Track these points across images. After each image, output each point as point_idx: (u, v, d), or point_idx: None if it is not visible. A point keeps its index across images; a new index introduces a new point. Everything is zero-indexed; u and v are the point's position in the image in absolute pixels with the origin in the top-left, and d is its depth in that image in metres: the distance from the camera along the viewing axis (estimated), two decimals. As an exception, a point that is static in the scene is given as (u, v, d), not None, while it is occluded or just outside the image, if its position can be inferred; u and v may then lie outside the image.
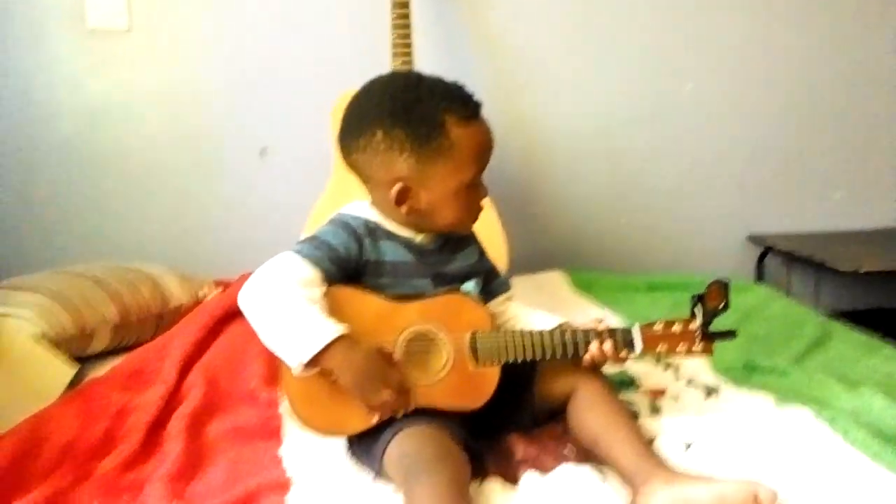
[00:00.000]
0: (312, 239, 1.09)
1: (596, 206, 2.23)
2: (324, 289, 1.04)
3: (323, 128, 1.81)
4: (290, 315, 1.00)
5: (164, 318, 1.61)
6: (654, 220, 2.27)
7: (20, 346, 1.33)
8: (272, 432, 1.16)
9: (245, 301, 1.05)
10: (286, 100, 2.04)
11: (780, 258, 2.16)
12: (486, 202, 1.71)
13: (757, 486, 0.91)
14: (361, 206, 1.16)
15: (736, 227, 2.30)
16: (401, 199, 1.09)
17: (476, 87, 2.18)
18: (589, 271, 2.10)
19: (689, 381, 1.34)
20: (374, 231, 1.11)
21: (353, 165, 1.13)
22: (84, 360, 1.46)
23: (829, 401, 1.26)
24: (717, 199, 2.29)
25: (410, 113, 1.06)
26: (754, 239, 2.25)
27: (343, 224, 1.11)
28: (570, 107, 2.19)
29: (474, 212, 1.15)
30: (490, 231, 1.70)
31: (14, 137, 1.95)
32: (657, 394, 1.30)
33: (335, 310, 1.04)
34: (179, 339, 1.40)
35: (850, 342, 1.57)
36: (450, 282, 1.13)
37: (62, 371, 1.33)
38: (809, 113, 2.28)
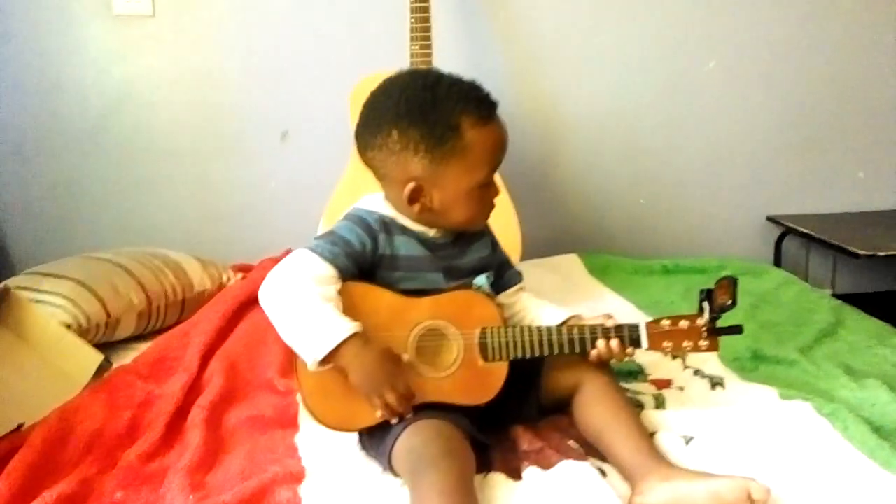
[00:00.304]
0: (329, 234, 1.12)
1: (614, 188, 2.24)
2: (339, 285, 1.08)
3: (343, 111, 1.83)
4: (306, 313, 1.04)
5: (187, 304, 1.67)
6: (672, 202, 2.27)
7: (52, 333, 1.40)
8: (289, 420, 1.21)
9: (264, 298, 1.09)
10: (307, 83, 2.06)
11: (799, 240, 2.15)
12: (500, 186, 1.75)
13: (751, 483, 0.93)
14: (376, 199, 1.19)
15: (756, 208, 2.29)
16: (414, 197, 1.11)
17: (494, 68, 2.20)
18: (604, 255, 2.12)
19: (696, 372, 1.36)
20: (388, 226, 1.14)
21: (369, 162, 1.16)
22: (110, 346, 1.53)
23: (834, 392, 1.29)
24: (738, 179, 2.28)
25: (426, 114, 1.08)
26: (774, 220, 2.25)
27: (359, 219, 1.14)
28: (589, 87, 2.18)
29: (486, 210, 1.17)
30: (504, 216, 1.71)
31: (43, 122, 2.00)
32: (663, 384, 1.34)
33: (350, 305, 1.08)
34: (201, 327, 1.46)
35: (861, 330, 1.59)
36: (462, 275, 1.16)
37: (91, 357, 1.39)
38: (832, 92, 2.25)
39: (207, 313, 1.53)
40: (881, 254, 1.88)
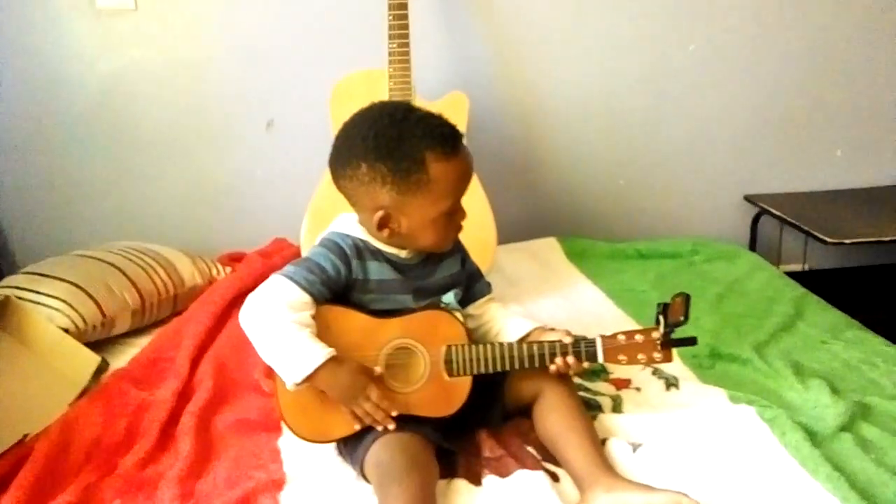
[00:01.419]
0: (305, 261, 1.20)
1: (594, 171, 2.29)
2: (314, 310, 1.16)
3: (326, 99, 1.87)
4: (283, 339, 1.13)
5: (179, 299, 1.76)
6: (652, 183, 2.32)
7: (52, 337, 1.49)
8: (273, 424, 1.30)
9: (244, 322, 1.17)
10: (290, 73, 2.10)
11: (774, 219, 2.22)
12: (478, 188, 1.80)
13: (683, 499, 1.04)
14: (350, 221, 1.26)
15: (734, 187, 2.35)
16: (382, 224, 1.19)
17: (474, 55, 2.23)
18: (582, 239, 2.19)
19: (654, 371, 1.45)
20: (361, 251, 1.22)
21: (341, 190, 1.22)
22: (106, 342, 1.62)
23: (781, 393, 1.39)
24: (717, 159, 2.33)
25: (393, 149, 1.14)
26: (750, 200, 2.30)
27: (334, 245, 1.21)
28: (569, 71, 2.21)
29: (452, 234, 1.25)
30: (477, 204, 1.77)
31: (31, 117, 2.04)
32: (622, 384, 1.43)
33: (324, 327, 1.17)
34: (192, 327, 1.55)
35: (818, 323, 1.67)
36: (431, 294, 1.25)
37: (89, 359, 1.48)
38: (809, 73, 2.28)
39: (198, 312, 1.62)
40: (847, 241, 1.95)
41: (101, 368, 1.49)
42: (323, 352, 1.12)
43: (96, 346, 1.58)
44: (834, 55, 2.27)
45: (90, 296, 1.59)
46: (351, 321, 1.19)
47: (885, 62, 2.29)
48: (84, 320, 1.55)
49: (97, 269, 1.68)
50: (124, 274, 1.68)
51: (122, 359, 1.56)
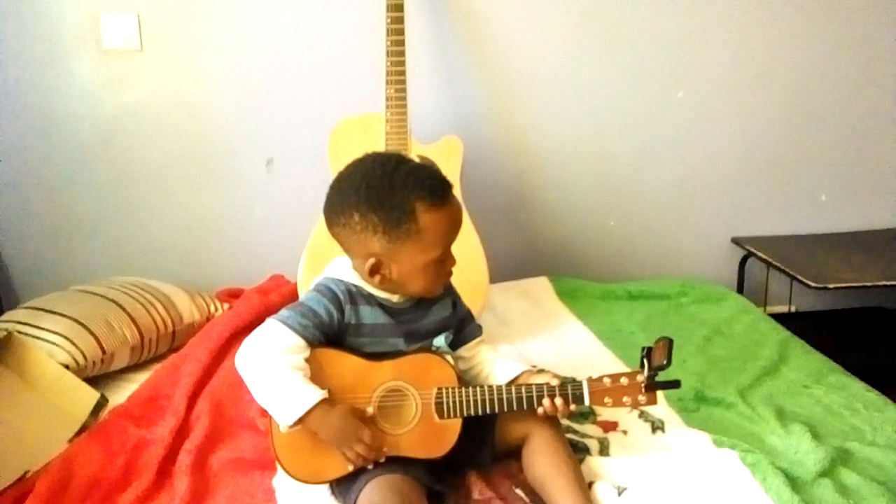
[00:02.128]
0: (299, 306, 1.24)
1: (586, 211, 2.34)
2: (307, 353, 1.20)
3: (324, 140, 1.92)
4: (277, 381, 1.17)
5: (178, 335, 1.79)
6: (642, 224, 2.37)
7: (52, 373, 1.52)
8: (268, 462, 1.33)
9: (240, 365, 1.21)
10: (290, 114, 2.15)
11: (761, 262, 2.27)
12: (465, 218, 1.85)
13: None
14: (344, 267, 1.30)
15: (722, 230, 2.40)
16: (374, 270, 1.23)
17: (470, 97, 2.30)
18: (573, 279, 2.24)
19: (641, 414, 1.49)
20: (354, 296, 1.26)
21: (335, 237, 1.27)
22: (105, 377, 1.65)
23: (764, 437, 1.42)
24: (705, 202, 2.39)
25: (384, 200, 1.20)
26: (738, 242, 2.36)
27: (327, 290, 1.25)
28: (562, 113, 2.27)
29: (442, 280, 1.29)
30: (468, 243, 1.81)
31: (34, 152, 2.09)
32: (610, 426, 1.46)
33: (317, 370, 1.20)
34: (189, 365, 1.58)
35: (801, 367, 1.71)
36: (422, 337, 1.29)
37: (88, 395, 1.52)
38: (796, 118, 2.34)
39: (195, 349, 1.65)
40: (831, 286, 1.99)
41: (100, 405, 1.52)
42: (315, 394, 1.16)
43: (95, 381, 1.61)
44: (818, 103, 2.34)
45: (90, 332, 1.62)
46: (344, 364, 1.23)
47: (867, 111, 2.36)
48: (84, 356, 1.59)
49: (97, 304, 1.71)
50: (124, 310, 1.72)
51: (120, 394, 1.59)
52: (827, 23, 2.28)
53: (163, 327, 1.76)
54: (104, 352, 1.63)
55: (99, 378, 1.64)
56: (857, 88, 2.34)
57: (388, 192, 1.20)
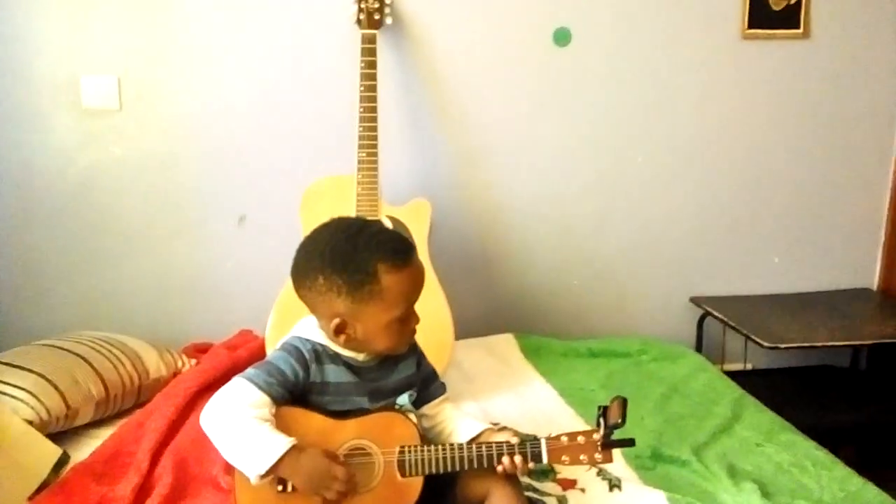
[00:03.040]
0: (266, 364, 1.28)
1: (549, 270, 2.41)
2: (273, 409, 1.23)
3: (297, 198, 1.97)
4: (245, 434, 1.19)
5: (143, 390, 1.80)
6: (603, 284, 2.45)
7: (15, 428, 1.52)
8: (230, 520, 1.34)
9: (205, 423, 1.23)
10: (263, 172, 2.21)
11: (717, 322, 2.35)
12: (429, 275, 1.89)
13: None
14: (311, 326, 1.34)
15: (680, 289, 2.49)
16: (339, 330, 1.28)
17: (438, 158, 2.37)
18: (537, 336, 2.29)
19: (599, 472, 1.52)
20: (320, 355, 1.30)
21: (302, 298, 1.31)
22: (68, 433, 1.65)
23: (717, 495, 1.47)
24: (664, 263, 2.47)
25: (347, 263, 1.25)
26: (695, 302, 2.44)
27: (294, 349, 1.29)
28: (526, 176, 2.35)
29: (406, 339, 1.34)
30: (434, 301, 1.86)
31: (6, 206, 2.12)
32: (568, 484, 1.50)
33: (283, 428, 1.22)
34: (154, 421, 1.59)
35: (754, 426, 1.77)
36: (386, 395, 1.32)
37: (50, 451, 1.51)
38: (750, 184, 2.46)
39: (161, 405, 1.66)
40: (782, 346, 2.07)
41: (62, 461, 1.52)
42: (284, 441, 1.19)
43: (57, 437, 1.61)
44: (771, 169, 2.46)
45: (55, 387, 1.63)
46: (309, 422, 1.26)
47: (815, 178, 2.48)
48: (48, 412, 1.59)
49: (64, 359, 1.72)
50: (90, 365, 1.72)
51: (83, 451, 1.59)
52: (777, 93, 2.41)
53: (129, 383, 1.77)
54: (68, 407, 1.63)
55: (63, 434, 1.64)
56: (809, 157, 2.47)
57: (350, 254, 1.25)
